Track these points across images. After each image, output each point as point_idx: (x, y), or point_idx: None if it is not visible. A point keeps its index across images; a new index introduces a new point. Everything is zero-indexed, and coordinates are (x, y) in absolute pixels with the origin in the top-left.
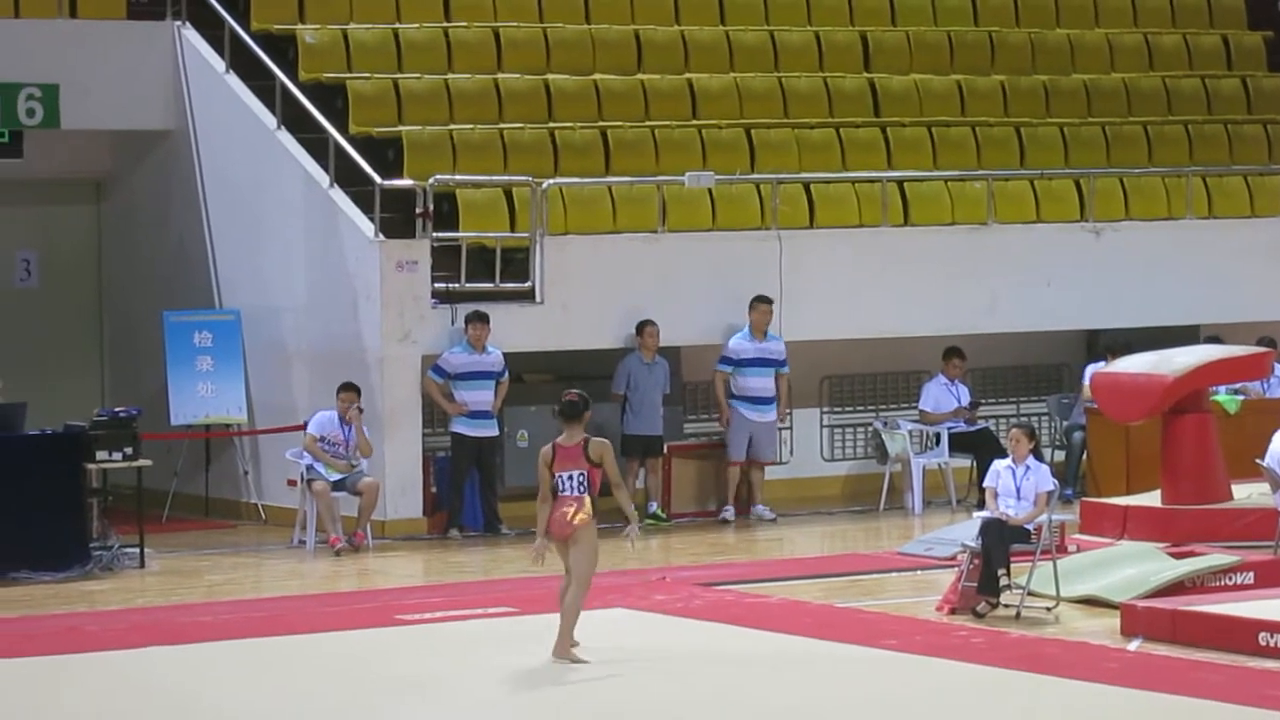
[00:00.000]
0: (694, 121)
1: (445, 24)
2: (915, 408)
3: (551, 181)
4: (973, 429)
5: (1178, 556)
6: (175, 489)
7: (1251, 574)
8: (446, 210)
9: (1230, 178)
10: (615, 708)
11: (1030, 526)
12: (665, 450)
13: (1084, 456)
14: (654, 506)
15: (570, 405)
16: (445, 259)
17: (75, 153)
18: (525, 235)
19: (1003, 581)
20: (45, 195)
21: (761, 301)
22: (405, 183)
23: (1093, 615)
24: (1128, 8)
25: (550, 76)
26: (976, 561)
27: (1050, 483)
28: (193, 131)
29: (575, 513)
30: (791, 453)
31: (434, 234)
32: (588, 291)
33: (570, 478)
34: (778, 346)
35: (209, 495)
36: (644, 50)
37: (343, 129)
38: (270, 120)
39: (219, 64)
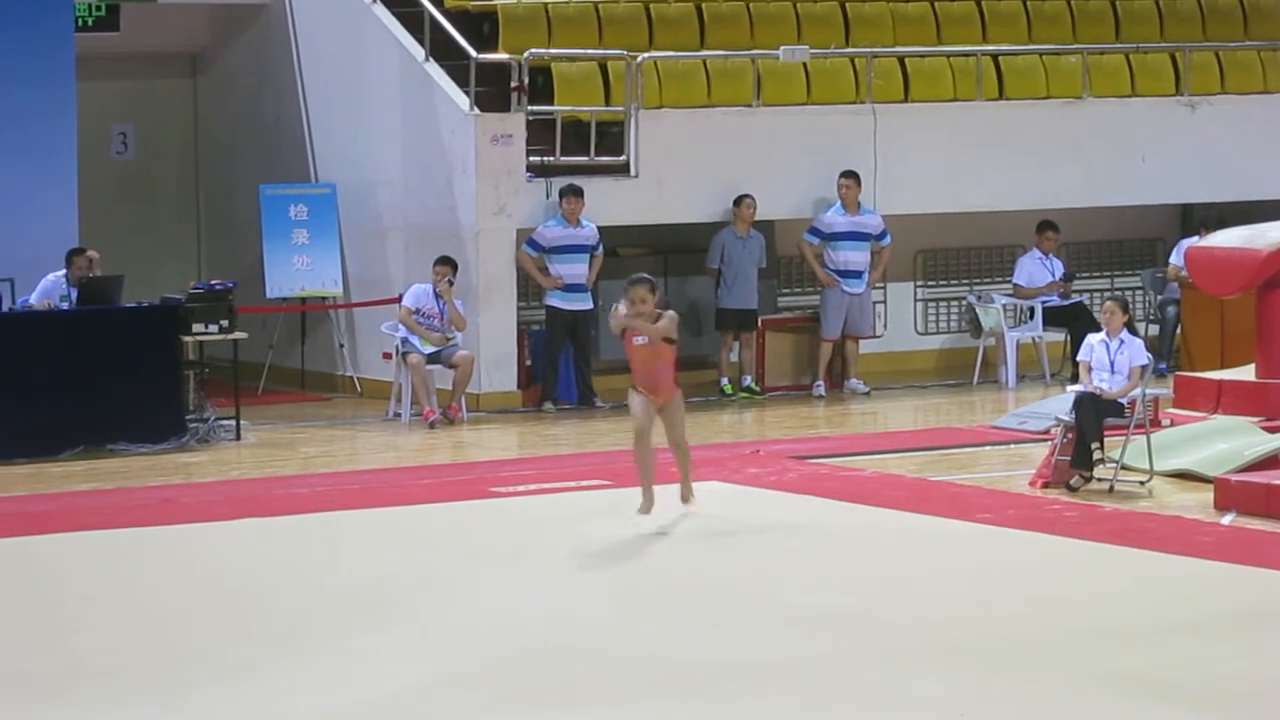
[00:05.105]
0: None
1: None
2: (1009, 282)
3: (646, 55)
4: (1067, 303)
5: (1272, 430)
6: (271, 362)
7: None
8: (541, 84)
9: None
10: (709, 579)
11: (1124, 400)
12: (759, 324)
13: (1178, 330)
14: (748, 380)
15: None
16: (540, 133)
17: (171, 26)
18: (620, 109)
19: (1096, 455)
20: (141, 69)
21: (845, 176)
22: (501, 56)
23: (1186, 489)
24: None
25: None
26: (1070, 435)
27: (1144, 357)
28: (288, 5)
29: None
30: (885, 326)
31: (529, 108)
32: (682, 165)
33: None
34: (873, 220)
35: (304, 368)
36: None
37: (438, 2)
38: None
39: None
